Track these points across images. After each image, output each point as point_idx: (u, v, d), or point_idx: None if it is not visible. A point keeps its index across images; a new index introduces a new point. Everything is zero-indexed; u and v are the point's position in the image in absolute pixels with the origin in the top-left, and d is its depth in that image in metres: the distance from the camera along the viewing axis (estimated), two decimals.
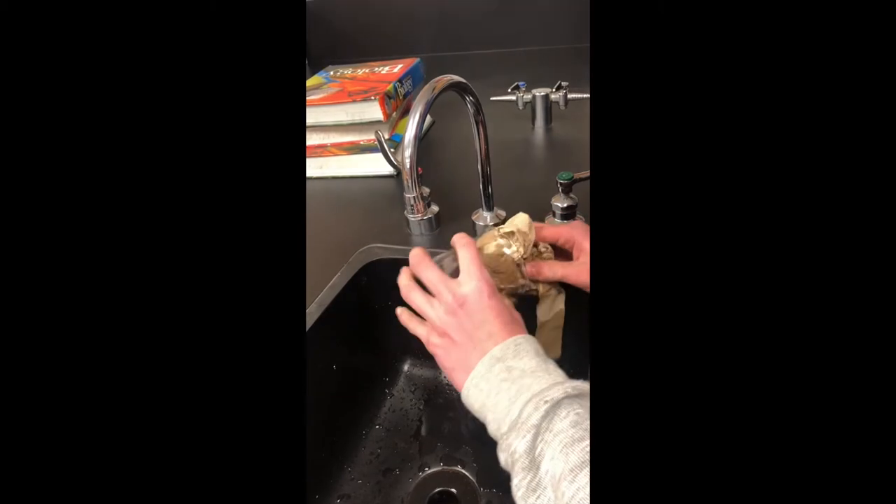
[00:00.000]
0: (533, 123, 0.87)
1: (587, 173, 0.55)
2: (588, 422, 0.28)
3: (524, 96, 0.86)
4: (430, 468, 0.57)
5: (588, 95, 0.87)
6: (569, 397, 0.30)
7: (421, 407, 0.64)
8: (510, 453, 0.30)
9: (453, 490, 0.54)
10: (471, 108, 0.52)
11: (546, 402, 0.30)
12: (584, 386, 0.31)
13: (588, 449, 0.27)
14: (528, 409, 0.30)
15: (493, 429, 0.33)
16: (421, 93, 0.44)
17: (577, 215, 0.58)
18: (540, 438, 0.29)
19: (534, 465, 0.28)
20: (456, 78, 0.48)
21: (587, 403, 0.30)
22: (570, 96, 0.83)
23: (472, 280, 0.37)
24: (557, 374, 0.33)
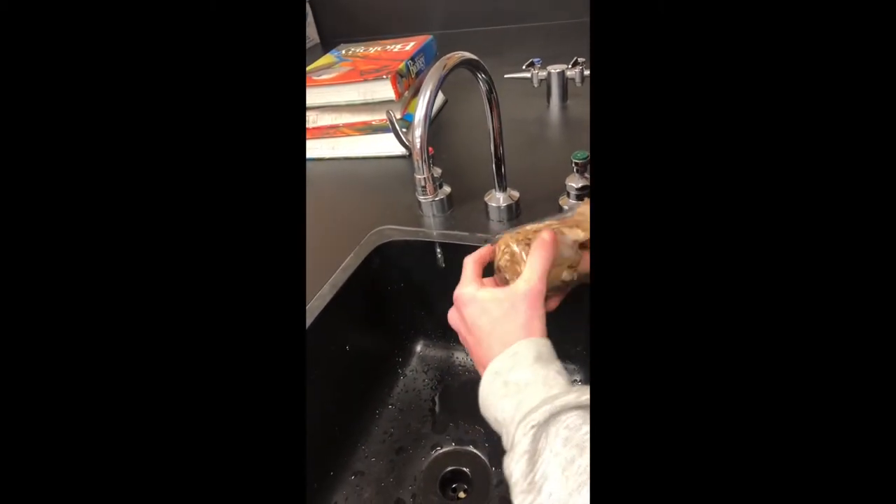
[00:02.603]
0: (548, 101, 0.85)
1: None
2: (580, 433, 0.28)
3: (539, 73, 0.84)
4: (442, 448, 0.57)
5: None
6: (555, 415, 0.30)
7: (434, 387, 0.64)
8: (508, 475, 0.30)
9: (465, 469, 0.55)
10: (483, 87, 0.50)
11: (532, 426, 0.29)
12: (577, 399, 0.30)
13: (583, 468, 0.27)
14: (519, 433, 0.30)
15: (504, 443, 0.33)
16: (431, 71, 0.43)
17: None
18: (540, 460, 0.29)
19: (534, 487, 0.28)
20: (467, 55, 0.47)
21: (583, 413, 0.30)
22: (586, 73, 0.81)
23: (468, 286, 0.39)
24: (555, 384, 0.32)
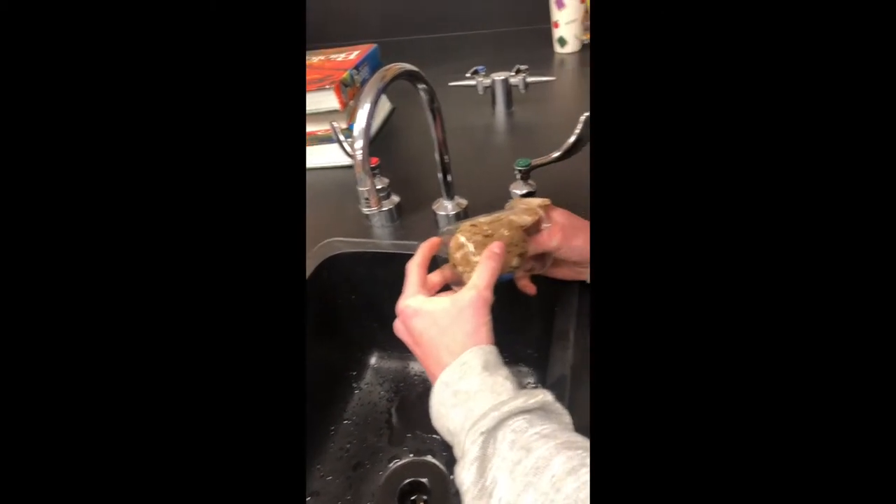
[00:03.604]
0: (493, 108, 0.86)
1: (545, 159, 0.55)
2: (525, 435, 0.29)
3: (484, 81, 0.85)
4: (400, 460, 0.57)
5: (548, 79, 0.87)
6: (503, 420, 0.30)
7: (390, 399, 0.63)
8: (459, 483, 0.30)
9: (423, 480, 0.55)
10: (424, 97, 0.51)
11: (481, 433, 0.30)
12: (524, 403, 0.31)
13: (528, 468, 0.27)
14: (468, 441, 0.30)
15: (455, 453, 0.33)
16: (369, 83, 0.43)
17: None
18: (490, 465, 0.29)
19: (485, 493, 0.29)
20: (407, 66, 0.47)
21: (529, 417, 0.30)
22: (528, 80, 0.83)
23: (412, 297, 0.39)
24: (502, 390, 0.33)
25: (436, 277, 0.42)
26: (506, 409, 0.30)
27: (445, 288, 0.43)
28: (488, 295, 0.37)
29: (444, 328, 0.36)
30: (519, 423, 0.30)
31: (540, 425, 0.30)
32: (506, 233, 0.41)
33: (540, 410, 0.32)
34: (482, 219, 0.43)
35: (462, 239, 0.41)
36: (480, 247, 0.40)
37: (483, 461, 0.29)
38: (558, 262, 0.46)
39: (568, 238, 0.43)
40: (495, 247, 0.39)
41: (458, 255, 0.41)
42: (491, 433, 0.30)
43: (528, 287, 0.47)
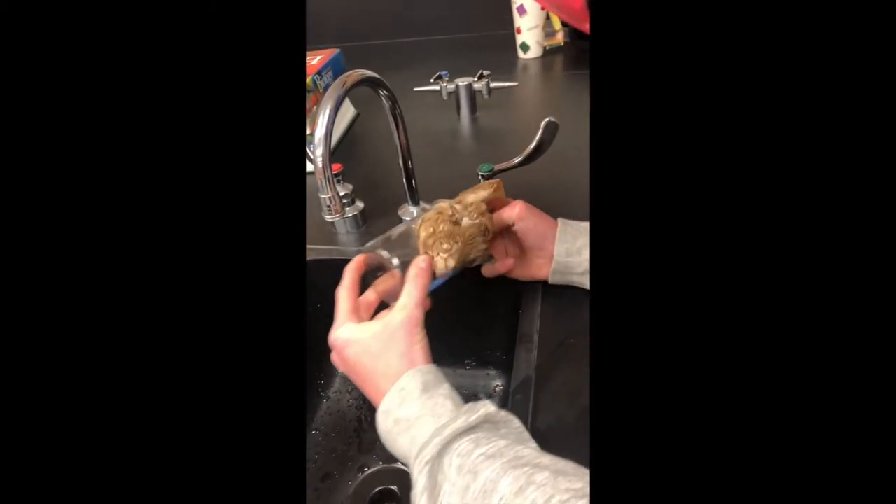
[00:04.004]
0: (458, 113, 0.87)
1: (507, 164, 0.55)
2: (471, 458, 0.29)
3: (448, 86, 0.86)
4: (369, 468, 0.56)
5: (511, 84, 0.88)
6: (446, 445, 0.30)
7: (359, 406, 0.63)
8: None
9: (393, 487, 0.54)
10: (386, 103, 0.51)
11: (426, 462, 0.30)
12: (465, 422, 0.31)
13: (477, 492, 0.27)
14: (416, 471, 0.30)
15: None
16: (329, 90, 0.43)
17: None
18: (441, 492, 0.29)
19: None
20: (367, 73, 0.47)
21: (474, 437, 0.30)
22: (492, 85, 0.84)
23: (342, 326, 0.37)
24: (443, 412, 0.33)
25: (370, 296, 0.41)
26: (448, 432, 0.30)
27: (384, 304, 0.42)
28: (419, 314, 0.36)
29: (377, 354, 0.35)
30: (464, 445, 0.30)
31: (486, 444, 0.29)
32: (468, 220, 0.42)
33: (485, 424, 0.31)
34: (443, 203, 0.43)
35: (431, 229, 0.41)
36: (448, 234, 0.41)
37: (433, 490, 0.29)
38: (519, 252, 0.47)
39: (528, 215, 0.44)
40: (421, 262, 0.39)
41: (430, 240, 0.41)
42: (436, 461, 0.30)
43: (504, 266, 0.47)
